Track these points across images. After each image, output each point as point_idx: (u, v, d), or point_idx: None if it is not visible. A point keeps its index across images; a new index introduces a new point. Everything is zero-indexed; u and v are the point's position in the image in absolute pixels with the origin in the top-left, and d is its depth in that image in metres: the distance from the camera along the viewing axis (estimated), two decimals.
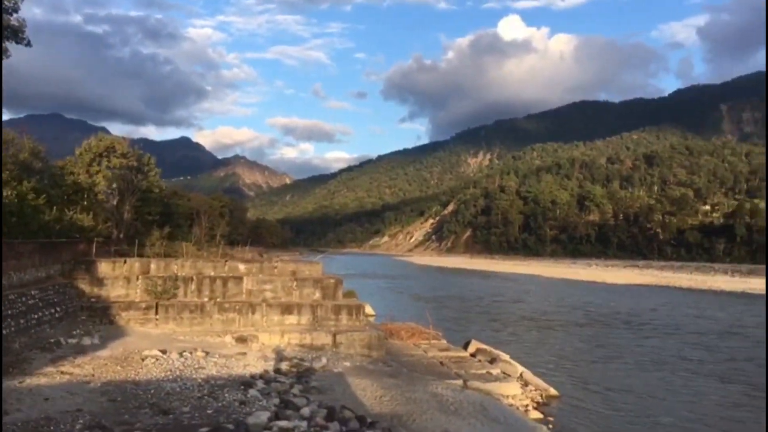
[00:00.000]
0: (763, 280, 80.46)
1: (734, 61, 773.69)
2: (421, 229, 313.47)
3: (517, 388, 18.94)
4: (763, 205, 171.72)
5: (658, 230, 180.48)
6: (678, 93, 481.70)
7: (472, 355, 23.17)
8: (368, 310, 36.92)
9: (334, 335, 20.61)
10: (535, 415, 17.05)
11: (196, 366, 15.87)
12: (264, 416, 11.64)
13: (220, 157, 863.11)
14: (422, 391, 15.61)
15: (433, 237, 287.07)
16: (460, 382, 18.18)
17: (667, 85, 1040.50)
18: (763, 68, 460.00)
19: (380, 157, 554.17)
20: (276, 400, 13.27)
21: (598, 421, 17.25)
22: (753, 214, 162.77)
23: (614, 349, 29.67)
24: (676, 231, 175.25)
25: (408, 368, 19.39)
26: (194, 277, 22.97)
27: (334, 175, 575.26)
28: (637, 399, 19.73)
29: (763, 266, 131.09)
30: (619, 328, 38.15)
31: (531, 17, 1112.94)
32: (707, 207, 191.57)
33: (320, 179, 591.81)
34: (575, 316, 43.57)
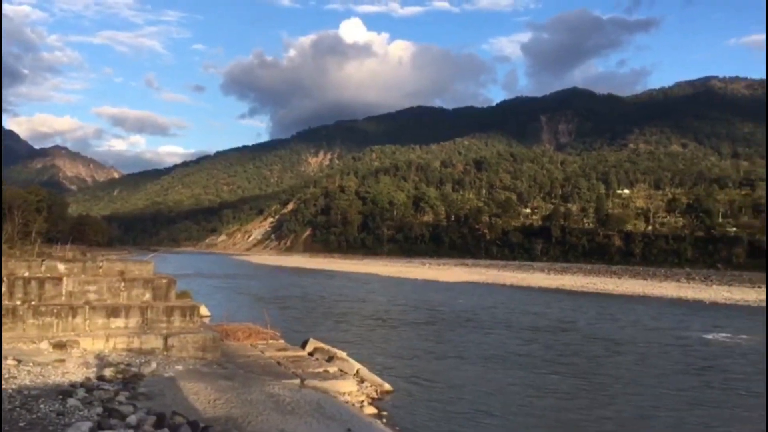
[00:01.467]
0: (571, 278, 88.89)
1: (553, 76, 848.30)
2: (260, 227, 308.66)
3: (353, 384, 19.23)
4: (575, 208, 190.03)
5: (486, 231, 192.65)
6: (504, 103, 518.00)
7: (310, 354, 23.20)
8: (203, 311, 35.63)
9: (166, 338, 19.61)
10: (370, 410, 17.47)
11: (6, 376, 14.35)
12: (85, 427, 10.77)
13: (37, 147, 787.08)
14: (259, 392, 15.36)
15: (273, 236, 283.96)
16: (297, 381, 18.12)
17: (495, 95, 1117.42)
18: (578, 84, 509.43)
19: (218, 153, 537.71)
20: (99, 409, 12.33)
21: (429, 412, 18.06)
22: (566, 217, 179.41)
23: (450, 345, 31.13)
24: (501, 232, 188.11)
25: (244, 369, 18.98)
26: (5, 279, 20.75)
27: (168, 170, 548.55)
28: (469, 392, 20.83)
29: (575, 264, 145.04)
30: (455, 324, 40.14)
31: (372, 22, 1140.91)
32: (528, 210, 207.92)
33: (153, 174, 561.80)
34: (412, 314, 45.25)
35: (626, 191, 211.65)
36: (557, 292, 73.55)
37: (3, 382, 13.79)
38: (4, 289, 20.43)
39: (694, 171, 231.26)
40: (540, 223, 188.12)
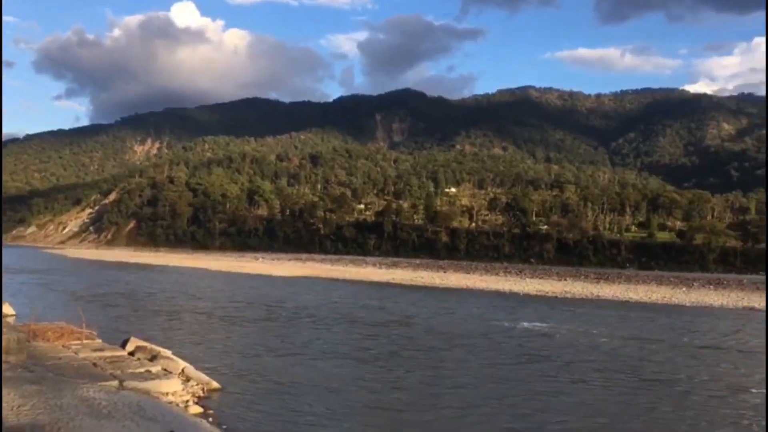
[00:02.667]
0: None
1: (388, 76, 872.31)
2: (76, 219, 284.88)
3: (178, 384, 18.40)
4: (406, 205, 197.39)
5: (320, 225, 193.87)
6: (341, 100, 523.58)
7: (131, 354, 21.82)
8: (7, 309, 32.35)
9: None
10: (196, 409, 16.82)
11: None
12: None
13: None
14: (71, 397, 14.15)
15: (91, 228, 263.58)
16: (115, 383, 16.94)
17: (332, 91, 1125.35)
18: (411, 86, 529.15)
19: (29, 137, 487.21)
20: None
21: (258, 409, 17.77)
22: (398, 213, 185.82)
23: (285, 342, 30.72)
24: (335, 226, 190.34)
25: (55, 372, 17.40)
26: None
27: None
28: (303, 388, 20.70)
29: (405, 259, 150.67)
30: (290, 320, 39.82)
31: (206, 7, 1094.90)
32: (362, 206, 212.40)
33: None
34: (246, 310, 44.23)
35: (453, 190, 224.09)
36: (389, 285, 75.90)
37: None
38: None
39: (512, 173, 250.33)
40: (373, 218, 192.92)
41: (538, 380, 23.31)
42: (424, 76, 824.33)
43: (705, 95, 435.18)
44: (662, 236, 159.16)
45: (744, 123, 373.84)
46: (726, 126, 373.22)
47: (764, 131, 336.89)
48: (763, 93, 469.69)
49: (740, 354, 31.30)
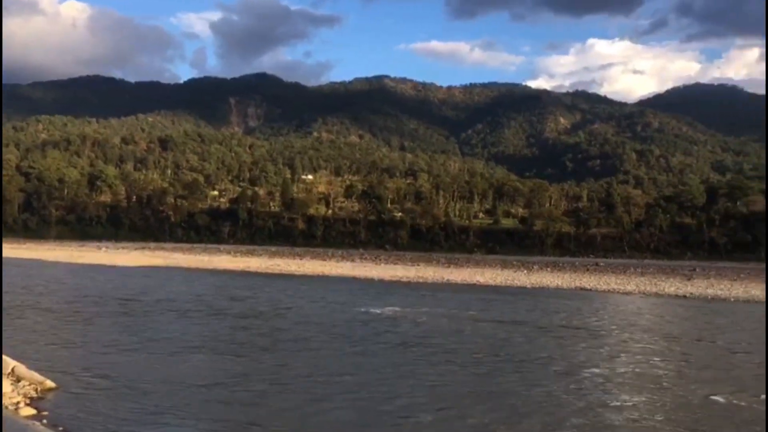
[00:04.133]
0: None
1: (243, 60, 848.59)
2: None
3: (7, 385, 16.66)
4: (262, 192, 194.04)
5: (171, 213, 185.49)
6: (193, 81, 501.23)
7: None
8: None
9: None
10: (28, 411, 15.31)
11: None
12: None
13: None
14: None
15: None
16: None
17: (183, 72, 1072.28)
18: (267, 70, 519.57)
19: None
20: None
21: (98, 410, 16.46)
22: (253, 200, 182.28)
23: (137, 337, 28.30)
24: (187, 214, 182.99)
25: None
26: None
27: None
28: (156, 386, 19.43)
29: (261, 247, 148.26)
30: (144, 314, 37.36)
31: None
32: (215, 192, 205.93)
33: None
34: (94, 305, 40.70)
35: (310, 177, 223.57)
36: (247, 274, 74.20)
37: None
38: None
39: (368, 161, 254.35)
40: (227, 205, 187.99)
41: (405, 364, 23.77)
42: (281, 61, 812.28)
43: (545, 91, 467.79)
44: (507, 222, 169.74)
45: (578, 118, 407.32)
46: (562, 120, 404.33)
47: (595, 126, 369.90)
48: (594, 90, 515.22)
49: (585, 332, 33.78)
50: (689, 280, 73.75)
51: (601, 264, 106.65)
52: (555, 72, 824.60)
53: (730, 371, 23.98)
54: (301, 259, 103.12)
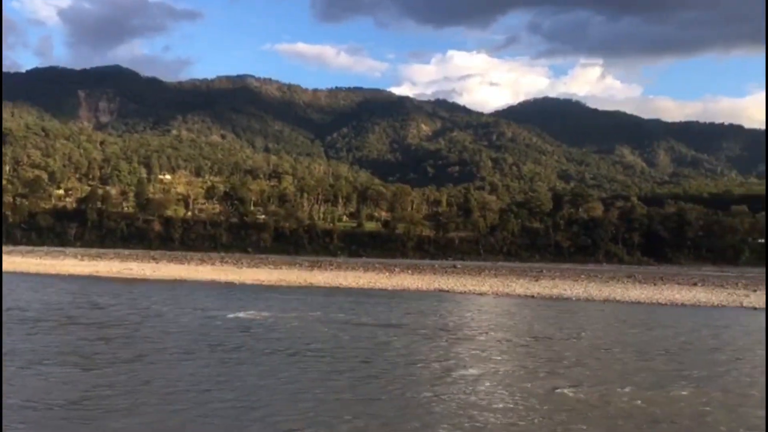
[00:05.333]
0: None
1: (94, 50, 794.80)
2: None
3: None
4: (114, 191, 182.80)
5: (9, 213, 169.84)
6: (36, 71, 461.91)
7: None
8: None
9: None
10: None
11: None
12: None
13: None
14: None
15: None
16: None
17: (25, 61, 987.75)
18: (121, 63, 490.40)
19: None
20: None
21: None
22: (104, 200, 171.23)
23: None
24: (27, 214, 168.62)
25: None
26: None
27: None
28: (8, 402, 17.43)
29: (113, 249, 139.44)
30: None
31: None
32: (61, 191, 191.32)
33: None
34: None
35: (168, 177, 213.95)
36: (97, 280, 69.26)
37: None
38: None
39: (231, 161, 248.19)
40: (75, 205, 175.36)
41: (276, 373, 23.13)
42: (137, 54, 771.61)
43: (408, 98, 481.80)
44: (370, 226, 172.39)
45: (438, 125, 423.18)
46: (424, 127, 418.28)
47: (454, 133, 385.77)
48: (454, 99, 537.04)
49: (448, 333, 34.74)
50: (537, 280, 78.72)
51: (459, 266, 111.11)
52: (417, 80, 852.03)
53: (597, 369, 25.75)
54: (157, 263, 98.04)
